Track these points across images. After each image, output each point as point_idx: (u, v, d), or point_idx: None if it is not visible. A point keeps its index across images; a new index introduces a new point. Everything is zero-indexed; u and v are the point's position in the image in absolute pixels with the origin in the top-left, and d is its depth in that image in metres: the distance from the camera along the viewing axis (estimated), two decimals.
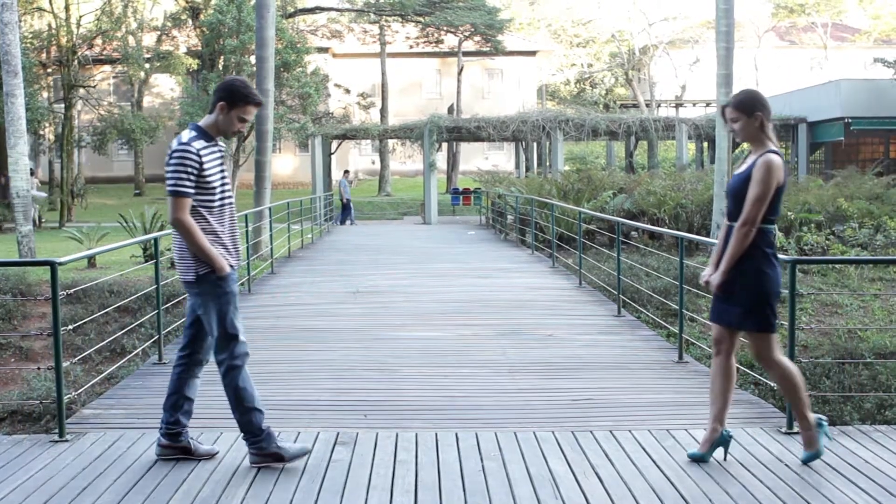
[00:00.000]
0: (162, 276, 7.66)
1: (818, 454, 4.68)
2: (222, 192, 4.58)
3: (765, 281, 4.53)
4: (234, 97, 4.51)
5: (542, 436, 5.15)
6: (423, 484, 4.41)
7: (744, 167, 4.62)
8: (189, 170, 4.40)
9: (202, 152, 4.45)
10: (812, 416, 4.67)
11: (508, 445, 4.99)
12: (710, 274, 4.70)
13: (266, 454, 4.65)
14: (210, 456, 4.83)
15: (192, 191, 4.43)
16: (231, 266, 4.60)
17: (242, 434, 4.70)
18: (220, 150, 4.61)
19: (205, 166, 4.45)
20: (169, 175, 4.42)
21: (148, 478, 4.54)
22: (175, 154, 4.41)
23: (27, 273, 12.45)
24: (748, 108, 4.55)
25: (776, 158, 4.48)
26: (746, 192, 4.49)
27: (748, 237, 4.48)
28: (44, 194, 26.81)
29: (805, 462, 4.69)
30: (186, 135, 4.48)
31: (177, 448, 4.79)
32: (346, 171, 29.54)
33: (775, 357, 4.64)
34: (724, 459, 4.76)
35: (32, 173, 27.59)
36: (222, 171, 4.61)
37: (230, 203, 4.65)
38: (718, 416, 4.72)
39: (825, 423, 4.72)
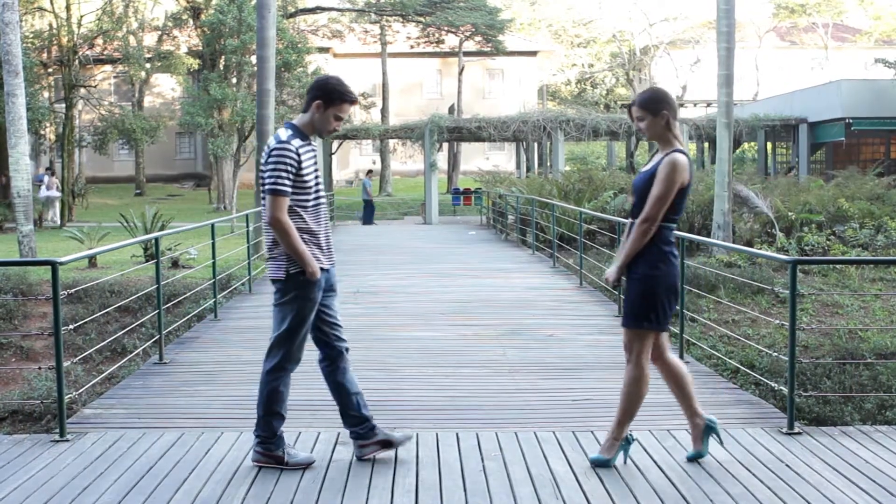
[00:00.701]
0: (162, 276, 7.65)
1: (608, 462, 4.63)
2: (317, 191, 4.54)
3: (658, 278, 4.48)
4: (331, 95, 4.45)
5: (543, 436, 5.14)
6: (424, 484, 4.40)
7: (650, 165, 4.59)
8: (288, 168, 4.35)
9: (300, 150, 4.41)
10: (627, 431, 4.63)
11: (509, 445, 4.98)
12: (612, 270, 4.69)
13: (270, 455, 4.62)
14: (405, 441, 4.79)
15: (290, 189, 4.38)
16: (324, 268, 4.56)
17: (255, 431, 4.65)
18: (314, 149, 4.57)
19: (303, 165, 4.41)
20: (267, 174, 4.36)
21: (149, 477, 4.54)
22: (274, 152, 4.37)
23: (28, 273, 12.45)
24: (654, 106, 4.51)
25: (682, 158, 4.45)
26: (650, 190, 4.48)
27: (647, 234, 4.45)
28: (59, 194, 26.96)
29: (592, 463, 4.65)
30: (284, 133, 4.43)
31: (375, 443, 4.72)
32: (370, 171, 29.51)
33: (642, 359, 4.57)
34: (722, 444, 4.77)
35: (53, 173, 27.70)
36: (317, 169, 4.56)
37: (324, 202, 4.62)
38: (691, 412, 4.70)
39: (631, 444, 4.68)
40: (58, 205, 26.69)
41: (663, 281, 4.49)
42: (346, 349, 4.78)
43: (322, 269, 4.54)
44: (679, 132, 4.56)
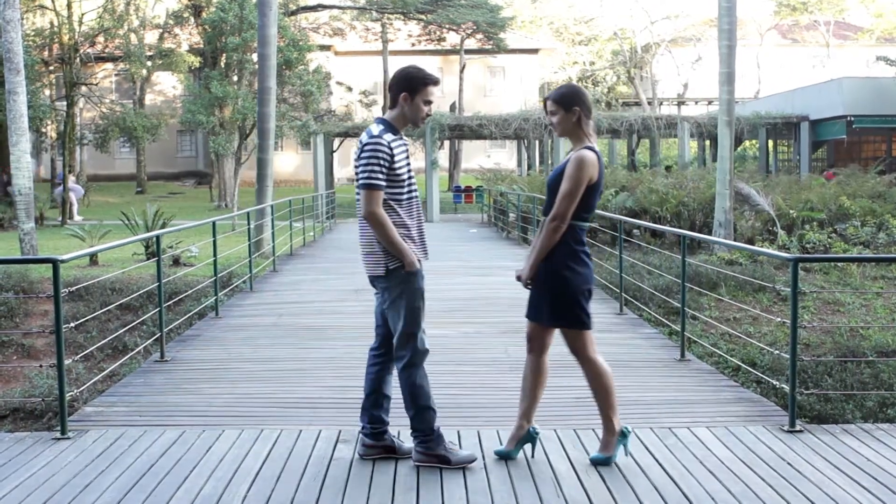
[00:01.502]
0: (164, 274, 7.65)
1: (609, 460, 4.61)
2: (409, 184, 4.54)
3: (572, 278, 4.48)
4: (414, 83, 4.49)
5: (545, 434, 5.13)
6: (425, 482, 4.40)
7: (562, 162, 4.58)
8: (381, 162, 4.37)
9: (392, 144, 4.43)
10: (618, 424, 4.62)
11: None
12: (523, 268, 4.65)
13: (432, 455, 4.56)
14: (409, 454, 4.73)
15: (384, 183, 4.39)
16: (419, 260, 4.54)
17: (412, 431, 4.60)
18: (406, 143, 4.59)
19: (395, 159, 4.42)
20: (361, 168, 4.38)
21: (150, 475, 4.54)
22: (367, 147, 4.39)
23: (29, 270, 12.46)
24: (566, 102, 4.51)
25: (589, 154, 4.44)
26: None
27: (557, 232, 4.44)
28: (62, 188, 27.15)
29: (593, 462, 4.64)
30: (376, 128, 4.45)
31: (380, 447, 4.70)
32: None
33: (590, 354, 4.59)
34: (532, 457, 4.73)
35: (71, 170, 27.82)
36: (409, 163, 4.57)
37: (416, 196, 4.62)
38: (526, 414, 4.69)
39: (628, 436, 4.65)
40: (76, 201, 26.88)
41: (578, 282, 4.49)
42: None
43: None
44: (591, 131, 4.54)
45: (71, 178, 27.40)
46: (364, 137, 4.46)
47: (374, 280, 4.59)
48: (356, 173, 4.47)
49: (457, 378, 6.64)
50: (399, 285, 4.50)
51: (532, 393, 4.70)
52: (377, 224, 4.39)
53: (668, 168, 27.49)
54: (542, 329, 4.67)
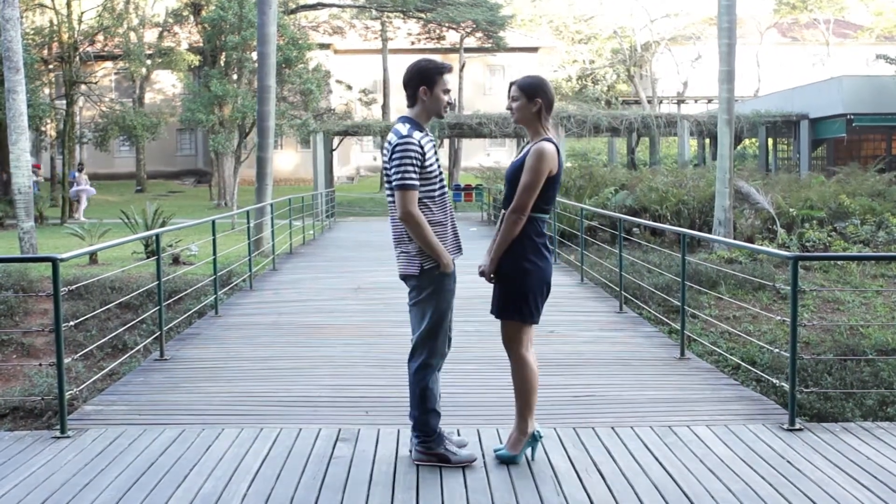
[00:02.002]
0: (163, 273, 7.65)
1: (514, 459, 4.58)
2: (440, 180, 4.53)
3: (530, 270, 4.48)
4: (430, 75, 4.48)
5: (544, 432, 5.12)
6: (425, 480, 4.40)
7: (520, 155, 4.59)
8: (414, 161, 4.35)
9: (422, 142, 4.42)
10: (532, 426, 4.58)
11: None
12: (485, 263, 4.62)
13: (432, 454, 4.57)
14: (462, 446, 4.72)
15: (418, 183, 4.37)
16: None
17: (413, 431, 4.62)
18: (433, 139, 4.57)
19: (426, 156, 4.42)
20: (394, 169, 4.36)
21: (149, 474, 4.54)
22: (398, 147, 4.37)
23: (29, 269, 12.45)
24: (530, 91, 4.52)
25: (549, 147, 4.45)
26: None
27: (518, 225, 4.44)
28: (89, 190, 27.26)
29: (499, 458, 4.62)
30: (404, 127, 4.43)
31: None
32: None
33: (521, 350, 4.55)
34: (532, 459, 4.69)
35: (81, 169, 27.80)
36: (437, 159, 4.56)
37: (447, 191, 4.60)
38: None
39: (539, 440, 4.62)
40: (84, 201, 26.89)
41: (537, 275, 4.49)
42: (445, 355, 4.69)
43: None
44: (549, 125, 4.56)
45: (84, 178, 27.36)
46: (393, 138, 4.43)
47: (405, 278, 4.58)
48: (387, 174, 4.45)
49: (456, 376, 6.63)
50: (431, 285, 4.47)
51: None
52: (414, 224, 4.37)
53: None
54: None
